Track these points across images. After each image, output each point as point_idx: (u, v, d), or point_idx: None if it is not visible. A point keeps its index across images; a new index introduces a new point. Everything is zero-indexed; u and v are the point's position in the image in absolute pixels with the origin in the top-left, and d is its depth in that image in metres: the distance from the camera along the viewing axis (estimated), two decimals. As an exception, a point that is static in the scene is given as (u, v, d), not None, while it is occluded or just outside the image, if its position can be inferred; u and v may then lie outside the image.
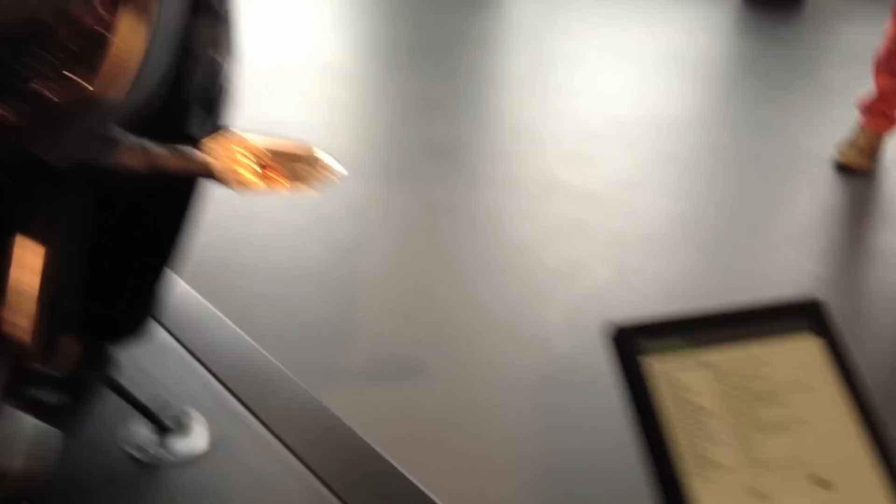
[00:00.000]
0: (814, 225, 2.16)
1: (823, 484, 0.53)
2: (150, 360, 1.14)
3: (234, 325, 1.32)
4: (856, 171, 2.29)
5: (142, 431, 0.94)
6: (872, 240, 2.20)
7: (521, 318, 1.72)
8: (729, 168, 2.40)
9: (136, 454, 0.91)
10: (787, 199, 2.26)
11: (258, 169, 0.56)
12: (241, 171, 0.55)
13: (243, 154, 0.56)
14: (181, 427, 0.99)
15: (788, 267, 1.94)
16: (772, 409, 0.55)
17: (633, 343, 0.57)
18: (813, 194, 2.27)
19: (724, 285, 1.84)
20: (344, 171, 0.62)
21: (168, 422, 0.97)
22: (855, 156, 2.30)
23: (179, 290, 1.40)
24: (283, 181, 0.57)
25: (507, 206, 2.19)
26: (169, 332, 1.22)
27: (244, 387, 1.16)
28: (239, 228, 1.91)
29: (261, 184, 0.56)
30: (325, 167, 0.61)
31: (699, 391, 0.55)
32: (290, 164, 0.57)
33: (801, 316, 0.59)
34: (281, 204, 2.04)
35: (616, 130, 2.52)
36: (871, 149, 2.31)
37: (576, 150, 2.41)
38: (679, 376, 0.56)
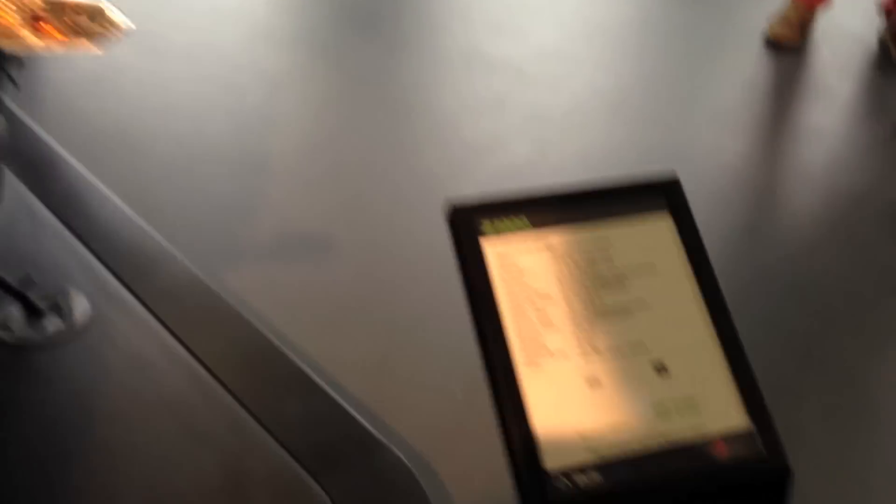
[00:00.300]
0: (739, 101, 2.12)
1: (662, 370, 0.51)
2: (22, 236, 1.07)
3: (118, 201, 1.26)
4: (785, 46, 2.25)
5: (10, 311, 0.88)
6: (797, 117, 2.18)
7: (435, 195, 1.68)
8: (658, 41, 2.34)
9: (2, 335, 0.85)
10: (715, 75, 2.21)
11: (27, 21, 0.49)
12: (6, 23, 0.48)
13: (7, 4, 0.48)
14: (55, 307, 0.93)
15: (710, 143, 1.92)
16: (615, 293, 0.53)
17: (471, 223, 0.53)
18: (741, 70, 2.22)
19: (642, 161, 1.81)
20: (132, 26, 0.55)
21: (39, 302, 0.91)
22: (785, 30, 2.24)
23: (61, 163, 1.32)
24: (59, 36, 0.50)
25: (429, 80, 2.11)
26: (45, 205, 1.14)
27: (125, 265, 1.11)
28: (137, 97, 1.80)
29: (32, 38, 0.49)
30: (111, 22, 0.54)
31: (540, 275, 0.52)
32: (71, 18, 0.51)
33: (658, 195, 0.56)
34: (185, 70, 1.94)
35: (546, 1, 2.43)
36: (801, 23, 2.25)
37: (504, 22, 2.31)
38: (519, 259, 0.52)
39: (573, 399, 0.49)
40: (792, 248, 1.60)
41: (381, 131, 1.90)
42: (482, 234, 0.53)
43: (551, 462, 0.47)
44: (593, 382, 0.49)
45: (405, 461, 0.92)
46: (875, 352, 1.41)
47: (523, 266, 0.52)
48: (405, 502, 0.90)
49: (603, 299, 0.52)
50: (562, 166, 1.77)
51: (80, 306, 0.95)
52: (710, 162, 1.85)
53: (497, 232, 0.53)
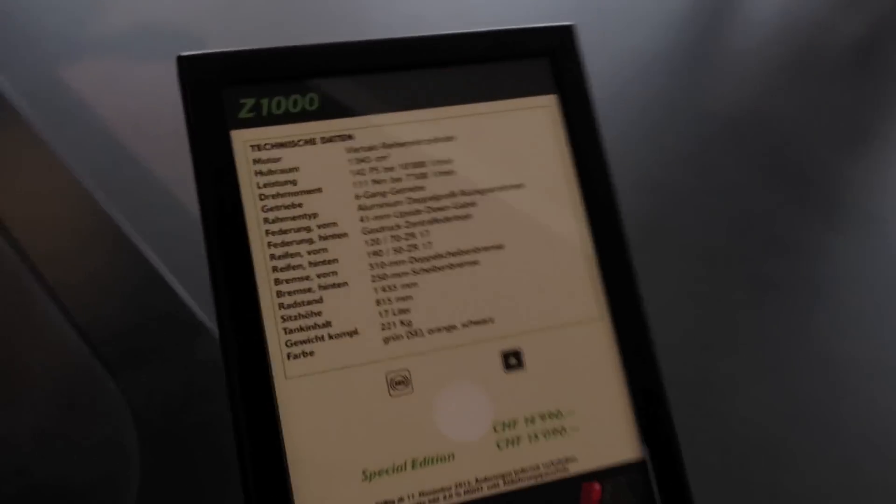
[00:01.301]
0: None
1: (514, 363, 0.31)
2: None
3: None
4: None
5: None
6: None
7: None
8: None
9: None
10: None
11: None
12: None
13: None
14: None
15: None
16: (451, 232, 0.32)
17: (218, 100, 0.31)
18: None
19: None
20: None
21: None
22: None
23: None
24: None
25: None
26: None
27: None
28: None
29: None
30: None
31: (327, 196, 0.31)
32: None
33: (539, 60, 0.34)
34: None
35: None
36: None
37: None
38: (294, 167, 0.31)
39: (361, 412, 0.29)
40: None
41: None
42: (236, 121, 0.30)
43: (309, 524, 0.28)
44: (397, 383, 0.30)
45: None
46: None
47: (300, 180, 0.30)
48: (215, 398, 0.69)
49: (430, 239, 0.31)
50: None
51: None
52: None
53: (262, 118, 0.31)
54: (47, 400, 0.51)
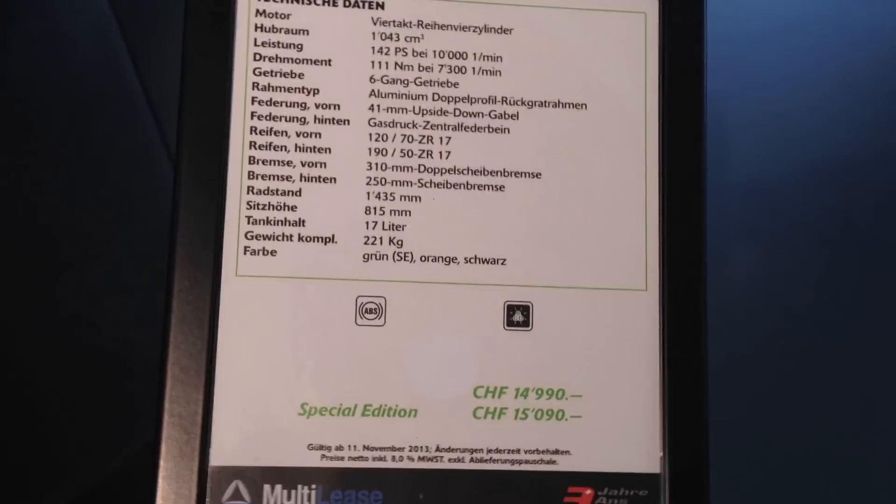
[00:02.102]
0: None
1: (518, 319, 0.25)
2: None
3: None
4: None
5: None
6: None
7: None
8: None
9: None
10: None
11: None
12: None
13: None
14: None
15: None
16: (482, 144, 0.26)
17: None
18: None
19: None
20: None
21: None
22: None
23: None
24: None
25: None
26: None
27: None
28: None
29: None
30: None
31: (332, 58, 0.25)
32: None
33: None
34: None
35: None
36: None
37: None
38: (300, 14, 0.25)
39: (316, 334, 0.24)
40: None
41: None
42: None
43: (222, 459, 0.23)
44: (368, 310, 0.24)
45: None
46: None
47: (308, 46, 0.25)
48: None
49: (451, 147, 0.25)
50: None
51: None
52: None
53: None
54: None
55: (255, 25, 0.25)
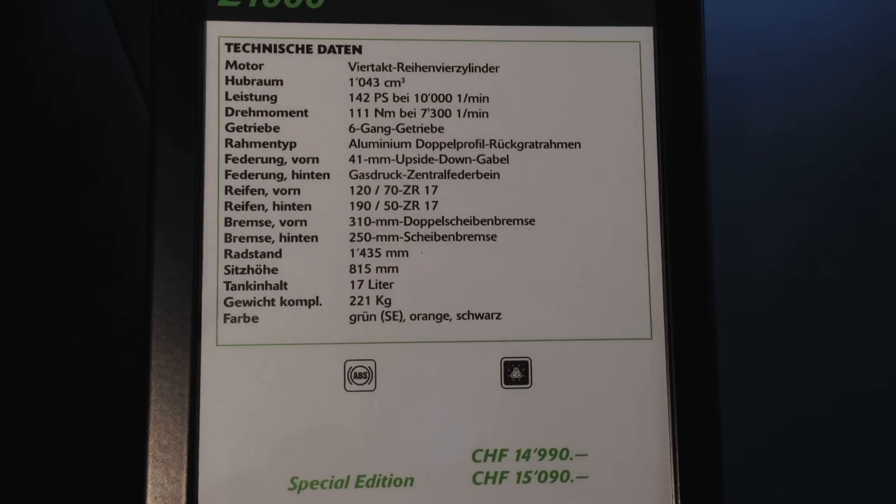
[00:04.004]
0: None
1: (517, 376, 0.24)
2: None
3: None
4: None
5: None
6: None
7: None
8: None
9: None
10: None
11: None
12: None
13: None
14: None
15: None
16: (456, 188, 0.24)
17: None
18: None
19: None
20: None
21: None
22: None
23: None
24: None
25: None
26: None
27: None
28: None
29: None
30: None
31: (310, 108, 0.24)
32: None
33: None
34: None
35: None
36: None
37: None
38: (275, 64, 0.24)
39: (304, 403, 0.23)
40: None
41: None
42: (215, 9, 0.24)
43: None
44: (358, 375, 0.23)
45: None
46: None
47: (283, 97, 0.24)
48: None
49: (438, 197, 0.24)
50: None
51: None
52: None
53: (249, 10, 0.24)
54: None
55: (226, 78, 0.23)
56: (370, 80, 0.24)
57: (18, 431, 0.30)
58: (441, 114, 0.24)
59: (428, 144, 0.24)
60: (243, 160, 0.23)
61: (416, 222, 0.24)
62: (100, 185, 0.32)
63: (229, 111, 0.23)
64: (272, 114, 0.23)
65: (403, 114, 0.24)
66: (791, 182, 0.34)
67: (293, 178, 0.23)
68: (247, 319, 0.23)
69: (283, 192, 0.23)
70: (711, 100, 0.25)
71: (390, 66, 0.24)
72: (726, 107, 0.34)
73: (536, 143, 0.24)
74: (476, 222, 0.24)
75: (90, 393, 0.31)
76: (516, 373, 0.23)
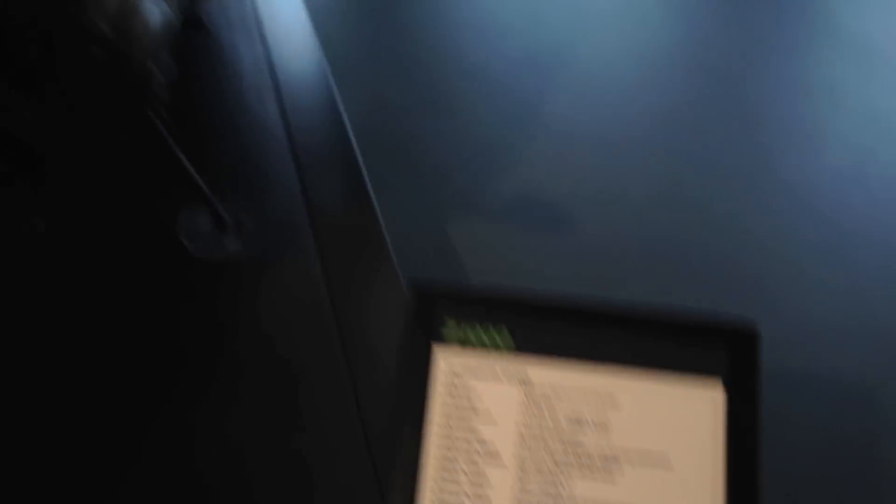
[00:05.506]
0: None
1: None
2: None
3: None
4: None
5: (198, 221, 0.70)
6: None
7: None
8: None
9: (189, 245, 0.68)
10: None
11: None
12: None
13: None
14: (239, 224, 0.72)
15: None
16: (596, 482, 0.35)
17: (430, 316, 0.37)
18: None
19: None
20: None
21: (226, 215, 0.70)
22: None
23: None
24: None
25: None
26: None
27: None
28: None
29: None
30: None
31: (496, 422, 0.35)
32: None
33: (717, 350, 0.38)
34: None
35: None
36: None
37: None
38: (476, 386, 0.36)
39: None
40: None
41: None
42: (439, 334, 0.36)
43: None
44: None
45: None
46: None
47: (481, 409, 0.36)
48: None
49: (573, 487, 0.34)
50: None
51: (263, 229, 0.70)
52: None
53: (461, 340, 0.36)
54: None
55: (448, 393, 0.35)
56: (538, 402, 0.36)
57: None
58: (578, 429, 0.35)
59: (572, 451, 0.35)
60: (447, 453, 0.34)
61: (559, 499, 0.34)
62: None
63: (445, 417, 0.35)
64: (472, 421, 0.35)
65: (555, 427, 0.35)
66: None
67: (483, 465, 0.34)
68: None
69: (474, 475, 0.34)
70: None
71: (550, 395, 0.36)
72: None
73: (643, 463, 0.35)
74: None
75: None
76: None
